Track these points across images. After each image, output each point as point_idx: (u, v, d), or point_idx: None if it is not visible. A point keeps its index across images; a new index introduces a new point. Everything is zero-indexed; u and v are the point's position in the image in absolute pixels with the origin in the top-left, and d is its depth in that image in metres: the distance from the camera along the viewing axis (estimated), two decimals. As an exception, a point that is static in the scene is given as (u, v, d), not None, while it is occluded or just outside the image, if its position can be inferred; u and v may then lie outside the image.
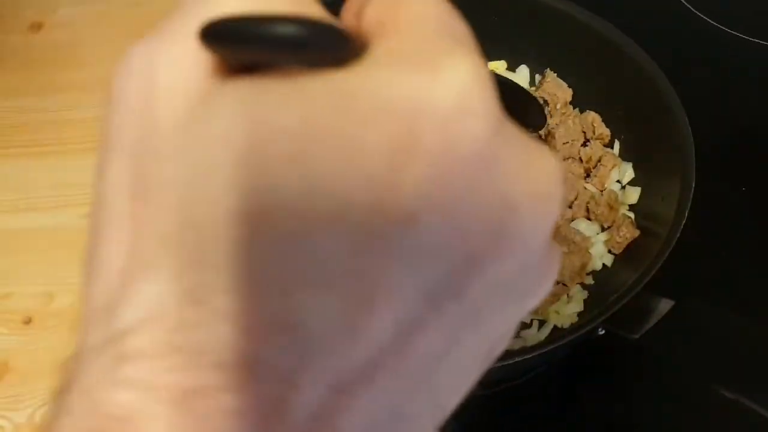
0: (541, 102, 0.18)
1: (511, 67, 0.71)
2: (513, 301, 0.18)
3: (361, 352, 0.16)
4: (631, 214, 0.62)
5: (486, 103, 0.16)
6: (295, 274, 0.15)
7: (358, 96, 0.16)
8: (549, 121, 0.66)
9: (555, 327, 0.57)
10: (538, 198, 0.17)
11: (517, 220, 0.17)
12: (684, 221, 0.52)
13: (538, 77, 0.70)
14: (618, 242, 0.60)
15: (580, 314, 0.58)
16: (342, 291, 0.16)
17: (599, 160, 0.64)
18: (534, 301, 0.19)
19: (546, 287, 0.19)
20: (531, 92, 0.23)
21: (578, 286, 0.59)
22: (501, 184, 0.17)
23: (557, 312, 0.58)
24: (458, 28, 0.18)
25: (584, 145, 0.66)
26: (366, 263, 0.16)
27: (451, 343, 0.17)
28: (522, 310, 0.19)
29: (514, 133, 0.17)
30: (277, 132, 0.16)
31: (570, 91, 0.68)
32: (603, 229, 0.62)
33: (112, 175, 0.18)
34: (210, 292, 0.15)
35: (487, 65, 0.17)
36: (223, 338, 0.15)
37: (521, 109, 0.20)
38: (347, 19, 0.20)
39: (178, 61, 0.18)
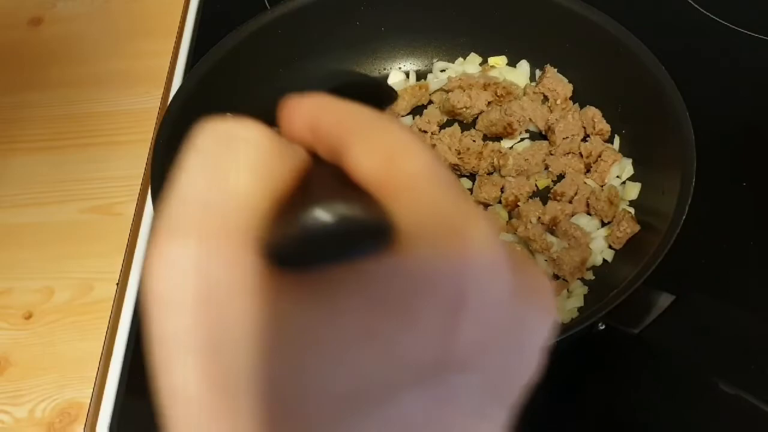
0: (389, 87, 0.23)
1: (512, 62, 0.71)
2: (522, 380, 0.23)
3: None
4: (632, 210, 0.62)
5: (502, 250, 0.20)
6: None
7: (413, 276, 0.19)
8: (549, 116, 0.66)
9: (555, 322, 0.57)
10: (544, 315, 0.22)
11: (534, 339, 0.22)
12: (684, 216, 0.52)
13: (538, 72, 0.70)
14: (618, 237, 0.60)
15: (580, 309, 0.58)
16: None
17: (599, 156, 0.64)
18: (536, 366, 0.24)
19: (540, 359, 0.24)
20: (375, 78, 0.28)
21: (578, 281, 0.59)
22: (521, 314, 0.21)
23: (557, 307, 0.58)
24: (451, 179, 0.21)
25: (584, 140, 0.66)
26: (438, 412, 0.20)
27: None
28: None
29: (517, 266, 0.21)
30: (356, 325, 0.19)
31: (570, 87, 0.68)
32: (603, 225, 0.62)
33: (188, 372, 0.19)
34: None
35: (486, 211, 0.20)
36: None
37: (376, 96, 0.24)
38: (289, 130, 0.22)
39: (233, 263, 0.19)
